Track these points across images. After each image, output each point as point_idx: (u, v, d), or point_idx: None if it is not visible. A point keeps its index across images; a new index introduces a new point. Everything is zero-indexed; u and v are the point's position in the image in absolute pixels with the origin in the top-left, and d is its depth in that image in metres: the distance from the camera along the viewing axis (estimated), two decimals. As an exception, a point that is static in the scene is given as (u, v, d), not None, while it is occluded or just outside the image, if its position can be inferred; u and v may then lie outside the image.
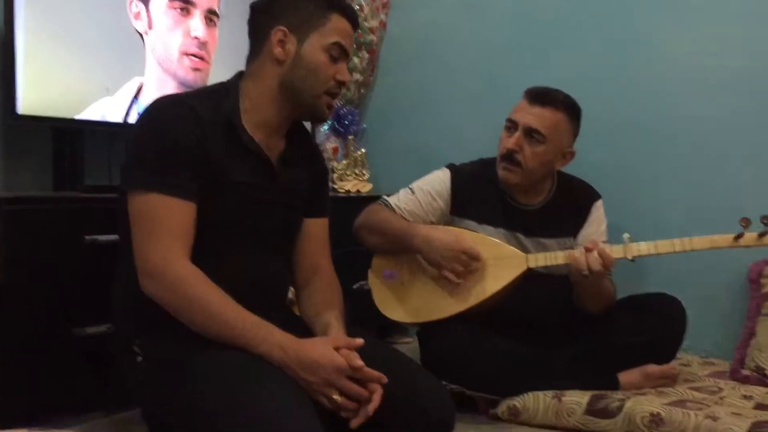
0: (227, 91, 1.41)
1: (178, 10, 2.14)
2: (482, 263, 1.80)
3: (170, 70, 2.15)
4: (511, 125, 1.88)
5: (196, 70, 2.20)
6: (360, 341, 1.30)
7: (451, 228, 1.89)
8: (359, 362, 1.24)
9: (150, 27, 2.09)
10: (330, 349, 1.25)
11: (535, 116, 1.85)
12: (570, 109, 1.89)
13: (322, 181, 1.60)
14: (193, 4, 2.17)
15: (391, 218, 1.91)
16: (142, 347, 1.32)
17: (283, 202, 1.46)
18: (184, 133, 1.29)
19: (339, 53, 1.42)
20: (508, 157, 1.87)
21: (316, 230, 1.56)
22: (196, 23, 2.18)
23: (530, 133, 1.85)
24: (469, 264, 1.79)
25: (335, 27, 1.41)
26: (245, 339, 1.23)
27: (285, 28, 1.38)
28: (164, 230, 1.26)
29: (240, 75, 1.45)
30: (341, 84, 1.44)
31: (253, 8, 1.45)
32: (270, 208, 1.43)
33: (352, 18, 1.45)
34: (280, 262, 1.49)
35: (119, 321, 1.41)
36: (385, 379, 1.25)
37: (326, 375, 1.22)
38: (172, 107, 1.34)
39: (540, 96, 1.86)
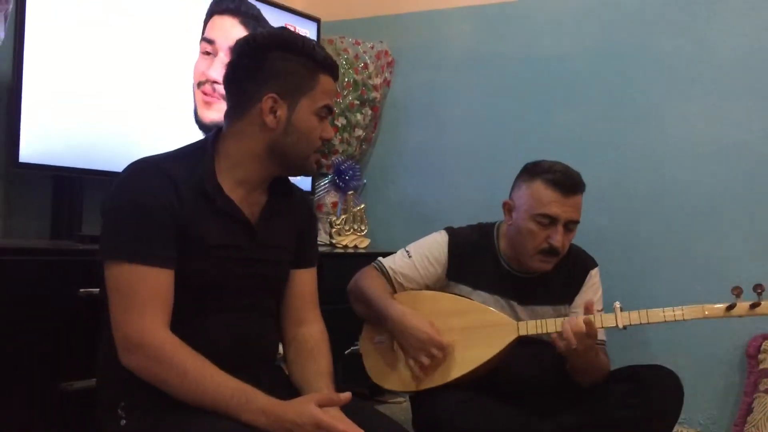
0: (203, 152, 1.37)
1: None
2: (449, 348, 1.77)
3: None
4: (548, 220, 1.82)
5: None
6: (347, 395, 1.27)
7: (424, 316, 1.81)
8: (341, 426, 1.20)
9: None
10: (309, 405, 1.22)
11: (573, 207, 1.83)
12: (585, 185, 1.88)
13: (309, 231, 1.57)
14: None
15: (373, 288, 1.88)
16: (126, 411, 1.30)
17: (265, 260, 1.43)
18: (158, 199, 1.27)
19: (326, 113, 1.41)
20: (553, 252, 1.84)
21: (302, 282, 1.53)
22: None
23: (569, 224, 1.84)
24: (437, 357, 1.76)
25: (324, 89, 1.39)
26: (228, 407, 1.21)
27: (275, 95, 1.34)
28: (140, 302, 1.24)
29: (218, 132, 1.41)
30: (326, 141, 1.44)
31: (236, 67, 1.39)
32: (252, 268, 1.40)
33: (336, 74, 1.43)
34: (267, 321, 1.47)
35: (103, 383, 1.38)
36: None
37: None
38: (146, 173, 1.30)
39: (571, 187, 1.83)
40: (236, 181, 1.38)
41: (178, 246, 1.29)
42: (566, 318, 1.74)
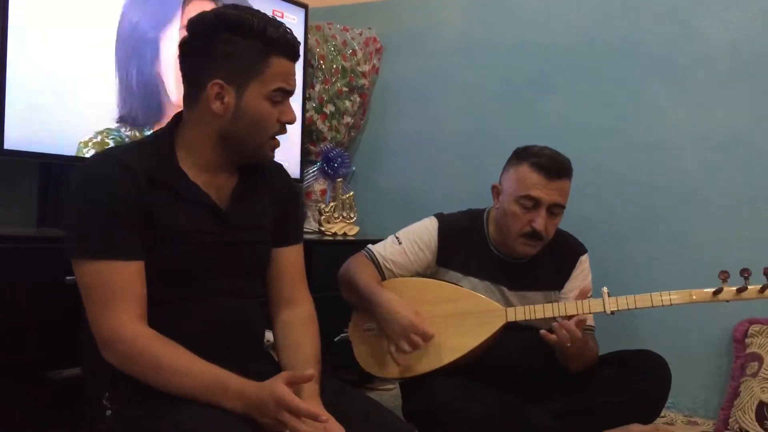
0: (161, 140, 1.34)
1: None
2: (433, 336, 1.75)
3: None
4: (531, 203, 1.82)
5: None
6: (310, 372, 1.25)
7: (410, 303, 1.80)
8: (303, 406, 1.17)
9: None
10: (275, 384, 1.19)
11: (558, 191, 1.83)
12: (572, 171, 1.88)
13: (290, 205, 1.50)
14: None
15: (361, 276, 1.87)
16: (111, 401, 1.29)
17: (241, 242, 1.38)
18: (119, 192, 1.23)
19: (282, 96, 1.33)
20: (536, 236, 1.84)
21: (287, 259, 1.48)
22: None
23: (553, 208, 1.84)
24: (418, 344, 1.74)
25: (276, 72, 1.30)
26: (206, 396, 1.20)
27: (221, 81, 1.28)
28: (111, 297, 1.22)
29: (176, 120, 1.37)
30: (287, 124, 1.36)
31: (186, 50, 1.33)
32: (227, 251, 1.35)
33: (293, 54, 1.33)
34: (252, 305, 1.43)
35: (88, 373, 1.37)
36: (323, 416, 1.19)
37: (272, 412, 1.18)
38: (104, 166, 1.26)
39: (556, 170, 1.83)
40: (199, 167, 1.34)
41: (148, 237, 1.26)
42: (558, 320, 1.72)
